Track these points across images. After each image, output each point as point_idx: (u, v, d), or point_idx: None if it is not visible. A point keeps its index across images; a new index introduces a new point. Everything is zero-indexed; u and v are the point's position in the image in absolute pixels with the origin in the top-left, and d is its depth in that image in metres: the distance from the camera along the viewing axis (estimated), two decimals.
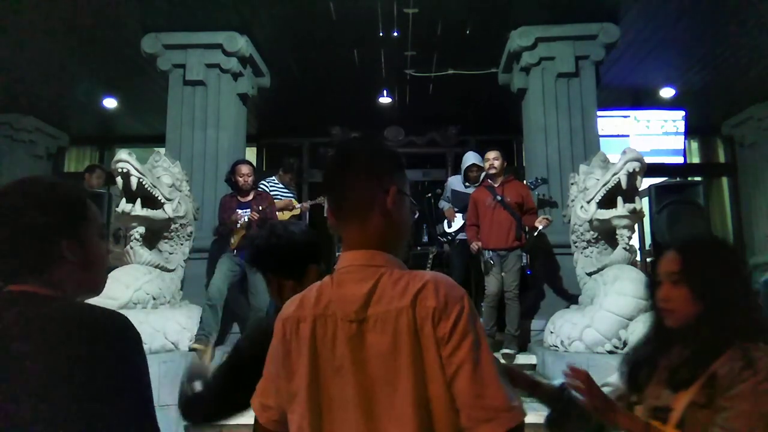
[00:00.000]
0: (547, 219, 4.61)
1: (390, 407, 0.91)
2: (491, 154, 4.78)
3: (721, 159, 8.67)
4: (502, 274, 4.54)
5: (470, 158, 5.39)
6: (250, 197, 4.79)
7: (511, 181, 4.82)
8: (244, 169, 4.75)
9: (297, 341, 0.99)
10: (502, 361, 4.40)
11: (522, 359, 4.53)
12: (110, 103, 7.36)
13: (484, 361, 0.90)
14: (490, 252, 4.55)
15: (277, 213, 4.88)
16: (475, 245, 4.65)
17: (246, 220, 4.56)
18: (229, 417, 1.53)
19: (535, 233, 4.66)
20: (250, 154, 8.32)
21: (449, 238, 5.41)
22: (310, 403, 0.95)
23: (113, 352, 0.89)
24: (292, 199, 5.52)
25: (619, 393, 1.41)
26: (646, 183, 4.53)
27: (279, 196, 5.35)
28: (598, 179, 4.22)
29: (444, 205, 5.77)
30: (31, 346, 0.85)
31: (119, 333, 0.92)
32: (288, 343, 1.00)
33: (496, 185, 4.72)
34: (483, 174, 5.03)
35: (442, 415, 0.90)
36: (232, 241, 4.63)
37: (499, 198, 4.63)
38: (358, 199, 1.03)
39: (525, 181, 5.62)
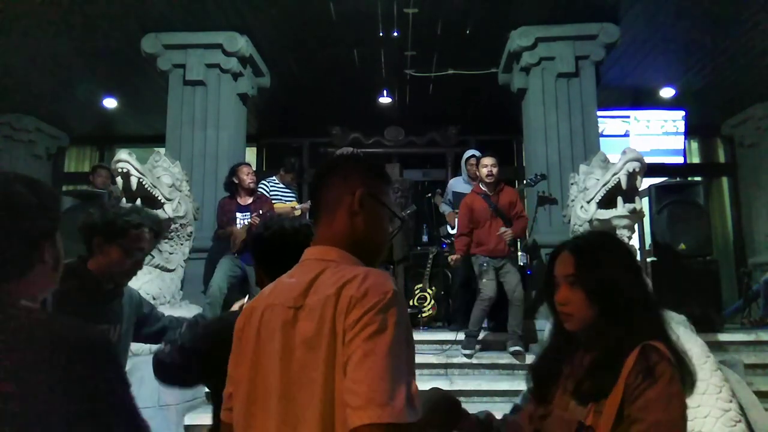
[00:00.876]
0: (507, 232, 4.58)
1: (308, 395, 0.91)
2: (488, 161, 4.72)
3: (721, 159, 8.67)
4: (502, 280, 4.54)
5: (469, 152, 5.39)
6: (250, 200, 4.80)
7: (504, 188, 4.82)
8: (247, 169, 4.78)
9: (248, 329, 1.04)
10: (514, 360, 4.40)
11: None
12: (110, 103, 7.35)
13: (380, 353, 0.85)
14: (485, 258, 4.57)
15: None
16: (452, 258, 4.73)
17: (247, 223, 4.59)
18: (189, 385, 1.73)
19: (509, 241, 4.65)
20: (250, 154, 8.32)
21: (453, 240, 5.40)
22: (249, 389, 0.99)
23: (90, 365, 0.90)
24: (293, 202, 5.52)
25: (528, 412, 1.32)
26: (646, 183, 4.53)
27: (279, 196, 5.35)
28: (598, 179, 4.22)
29: (445, 209, 5.77)
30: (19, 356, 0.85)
31: (93, 347, 0.93)
32: (240, 332, 1.06)
33: (491, 193, 4.72)
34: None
35: (340, 407, 0.87)
36: (232, 246, 4.67)
37: (493, 206, 4.64)
38: (328, 200, 1.10)
39: (525, 179, 5.62)
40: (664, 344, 1.17)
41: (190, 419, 3.72)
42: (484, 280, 4.53)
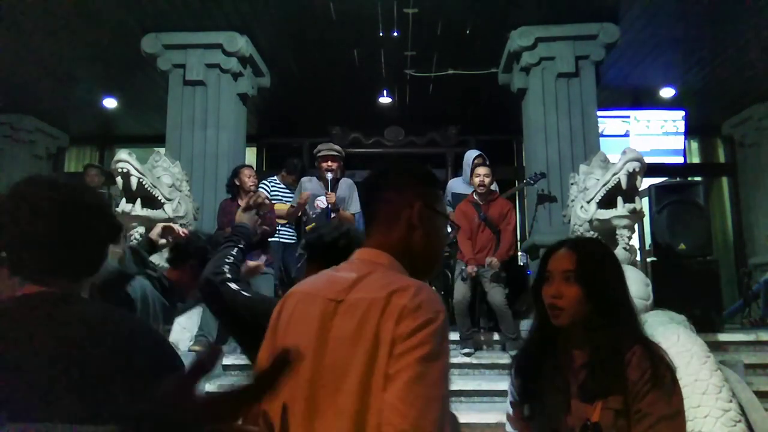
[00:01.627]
0: (493, 261, 4.54)
1: (335, 392, 0.91)
2: (482, 170, 4.70)
3: (721, 159, 8.67)
4: (486, 289, 4.56)
5: (475, 152, 5.36)
6: None
7: (496, 199, 4.81)
8: (248, 171, 4.77)
9: (284, 315, 1.05)
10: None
11: None
12: (110, 103, 7.36)
13: (433, 379, 0.84)
14: (463, 265, 4.60)
15: (277, 219, 4.86)
16: (471, 269, 4.56)
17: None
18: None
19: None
20: (250, 154, 8.32)
21: (453, 240, 5.39)
22: None
23: (140, 352, 0.94)
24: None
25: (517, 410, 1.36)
26: (646, 183, 4.53)
27: (280, 197, 5.34)
28: (598, 179, 4.22)
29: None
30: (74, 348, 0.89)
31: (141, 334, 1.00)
32: (276, 318, 1.06)
33: (481, 203, 4.72)
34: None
35: (375, 413, 0.87)
36: None
37: (483, 216, 4.65)
38: (384, 213, 1.09)
39: (525, 179, 5.62)
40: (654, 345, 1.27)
41: (210, 387, 3.85)
42: (456, 283, 4.59)
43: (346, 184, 4.70)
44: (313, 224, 4.43)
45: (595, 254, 1.36)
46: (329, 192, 4.41)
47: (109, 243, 1.05)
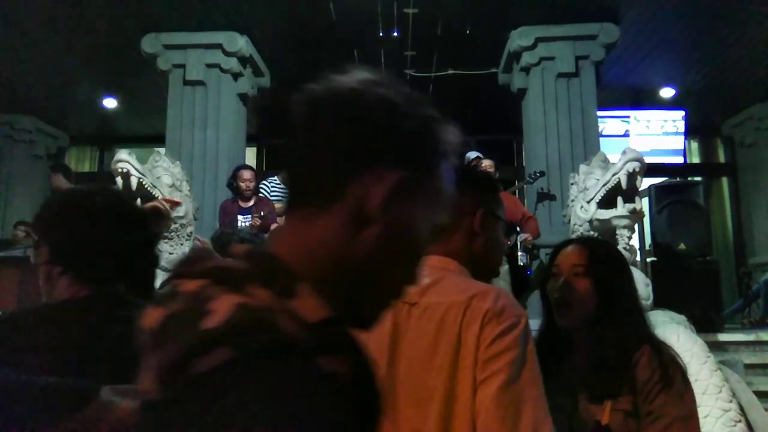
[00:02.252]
0: (528, 238, 4.57)
1: (414, 395, 0.90)
2: (486, 162, 4.71)
3: (721, 159, 8.67)
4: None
5: (473, 154, 5.35)
6: (251, 202, 4.79)
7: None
8: (247, 174, 4.75)
9: None
10: None
11: None
12: (110, 103, 7.35)
13: (521, 383, 0.85)
14: None
15: (278, 219, 4.86)
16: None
17: (247, 225, 4.59)
18: None
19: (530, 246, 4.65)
20: (250, 154, 8.31)
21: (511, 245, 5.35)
22: None
23: None
24: None
25: None
26: (646, 183, 4.54)
27: (281, 197, 5.34)
28: (598, 179, 4.22)
29: None
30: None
31: None
32: None
33: None
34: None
35: (461, 417, 0.87)
36: None
37: None
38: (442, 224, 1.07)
39: (527, 176, 5.61)
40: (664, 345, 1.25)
41: None
42: None
43: None
44: None
45: (605, 251, 1.37)
46: None
47: (152, 247, 1.15)
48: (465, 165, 1.21)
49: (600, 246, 1.40)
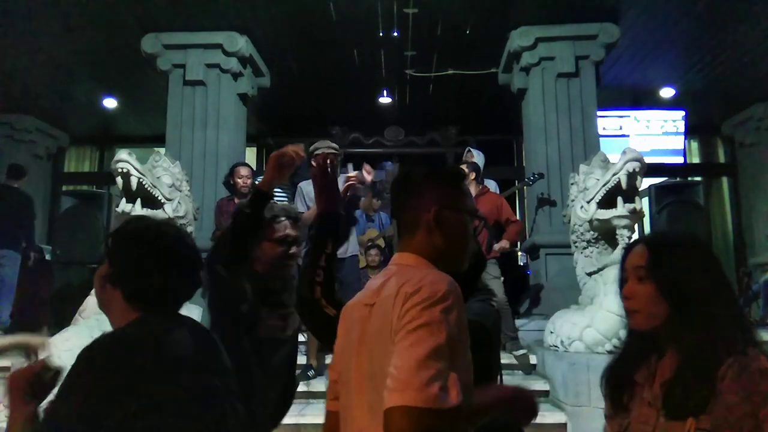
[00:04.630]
0: (504, 246, 4.53)
1: (375, 384, 0.96)
2: (470, 153, 4.69)
3: (721, 159, 8.67)
4: (488, 284, 4.50)
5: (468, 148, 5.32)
6: None
7: (486, 193, 4.75)
8: (243, 171, 4.71)
9: (342, 324, 1.16)
10: (513, 360, 4.39)
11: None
12: (110, 103, 7.36)
13: (422, 342, 0.88)
14: None
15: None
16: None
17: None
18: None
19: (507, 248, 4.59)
20: (250, 154, 8.32)
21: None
22: (344, 379, 1.09)
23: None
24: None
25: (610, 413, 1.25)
26: (646, 183, 4.54)
27: (278, 196, 5.31)
28: (598, 179, 4.21)
29: None
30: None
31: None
32: (340, 328, 1.17)
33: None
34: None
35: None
36: None
37: None
38: (407, 220, 1.16)
39: (526, 177, 5.61)
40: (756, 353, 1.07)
41: None
42: None
43: (341, 181, 4.64)
44: None
45: (671, 248, 1.19)
46: (359, 171, 4.18)
47: (198, 272, 1.26)
48: (427, 163, 1.22)
49: (668, 241, 1.23)
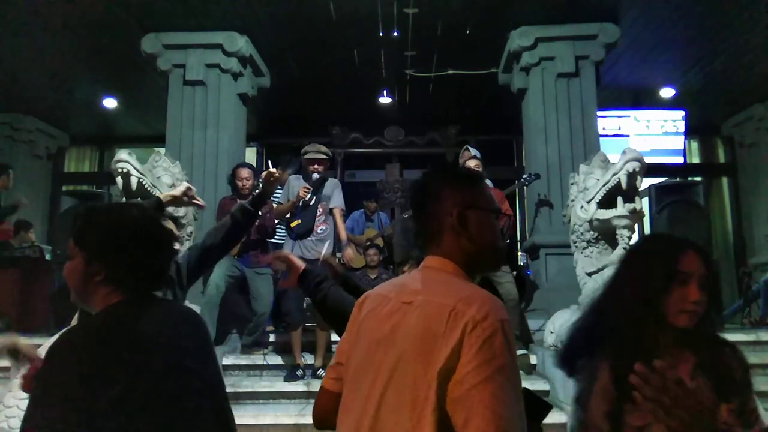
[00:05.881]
0: None
1: (400, 380, 0.98)
2: (472, 162, 4.65)
3: (721, 159, 8.67)
4: (495, 282, 4.51)
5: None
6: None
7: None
8: (244, 172, 4.72)
9: (363, 312, 1.15)
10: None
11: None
12: (110, 103, 7.36)
13: (497, 387, 0.90)
14: None
15: (275, 220, 4.82)
16: None
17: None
18: None
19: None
20: (250, 154, 8.32)
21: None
22: (357, 366, 1.10)
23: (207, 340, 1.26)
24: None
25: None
26: (646, 183, 4.54)
27: (278, 196, 5.30)
28: (598, 179, 4.21)
29: None
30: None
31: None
32: (357, 315, 1.17)
33: None
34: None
35: (433, 410, 0.93)
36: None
37: None
38: (430, 226, 1.16)
39: (522, 177, 5.60)
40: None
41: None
42: None
43: (332, 183, 4.74)
44: (299, 221, 4.45)
45: (709, 255, 1.33)
46: (306, 187, 4.46)
47: (171, 257, 1.30)
48: (443, 167, 1.30)
49: (709, 256, 1.32)
